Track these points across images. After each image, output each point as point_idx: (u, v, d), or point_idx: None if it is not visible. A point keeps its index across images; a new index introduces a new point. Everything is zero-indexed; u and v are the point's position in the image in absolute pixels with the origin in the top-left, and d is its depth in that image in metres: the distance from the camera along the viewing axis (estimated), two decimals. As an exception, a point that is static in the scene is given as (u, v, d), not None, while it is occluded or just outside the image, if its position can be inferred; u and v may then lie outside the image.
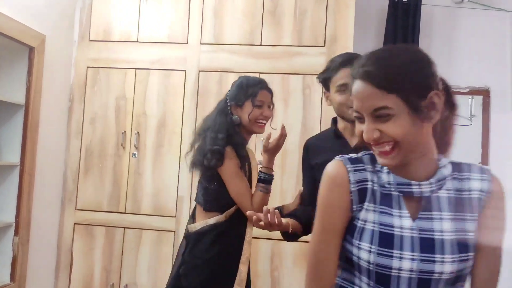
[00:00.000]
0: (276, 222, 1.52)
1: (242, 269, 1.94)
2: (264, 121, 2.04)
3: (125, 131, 3.00)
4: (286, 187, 2.82)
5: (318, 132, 2.79)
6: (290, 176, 2.82)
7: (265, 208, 1.52)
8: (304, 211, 1.74)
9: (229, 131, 1.97)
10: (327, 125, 2.78)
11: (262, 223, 1.51)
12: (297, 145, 2.82)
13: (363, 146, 1.09)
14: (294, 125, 2.83)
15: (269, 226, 1.54)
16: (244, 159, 2.01)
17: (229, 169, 1.93)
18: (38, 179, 2.81)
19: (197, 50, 2.96)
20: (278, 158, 2.85)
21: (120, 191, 2.98)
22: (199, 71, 2.95)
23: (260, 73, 2.88)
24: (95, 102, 3.06)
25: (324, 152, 1.71)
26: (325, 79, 1.75)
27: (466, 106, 3.12)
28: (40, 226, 2.85)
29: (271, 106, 2.08)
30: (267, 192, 1.98)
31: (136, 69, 3.02)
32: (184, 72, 2.96)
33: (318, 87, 2.80)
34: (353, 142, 1.70)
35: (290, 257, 2.79)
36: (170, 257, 2.89)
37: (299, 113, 2.84)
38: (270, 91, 2.07)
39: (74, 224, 3.00)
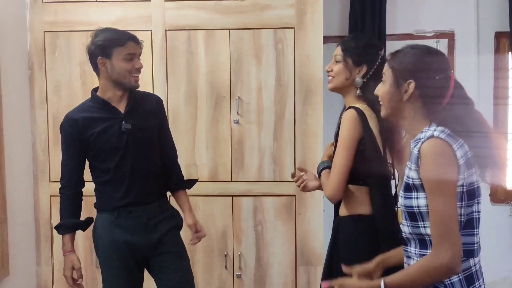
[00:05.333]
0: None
1: None
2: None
3: (93, 98, 2.88)
4: (264, 143, 2.84)
5: (293, 87, 2.81)
6: (267, 132, 2.84)
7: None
8: None
9: None
10: (301, 79, 2.80)
11: None
12: (272, 101, 2.82)
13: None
14: (268, 81, 2.81)
15: None
16: None
17: None
18: (8, 155, 2.70)
19: (161, 8, 2.83)
20: (254, 115, 2.86)
21: (95, 160, 2.90)
22: (166, 30, 2.84)
23: (230, 29, 2.81)
24: (58, 69, 2.91)
25: (99, 121, 2.07)
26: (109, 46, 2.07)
27: (433, 49, 3.18)
28: (15, 202, 2.77)
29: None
30: None
31: (98, 31, 2.87)
32: (150, 32, 2.84)
33: (291, 42, 2.79)
34: (121, 108, 2.09)
35: (271, 211, 2.86)
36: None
37: (272, 69, 2.81)
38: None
39: (50, 196, 2.92)
